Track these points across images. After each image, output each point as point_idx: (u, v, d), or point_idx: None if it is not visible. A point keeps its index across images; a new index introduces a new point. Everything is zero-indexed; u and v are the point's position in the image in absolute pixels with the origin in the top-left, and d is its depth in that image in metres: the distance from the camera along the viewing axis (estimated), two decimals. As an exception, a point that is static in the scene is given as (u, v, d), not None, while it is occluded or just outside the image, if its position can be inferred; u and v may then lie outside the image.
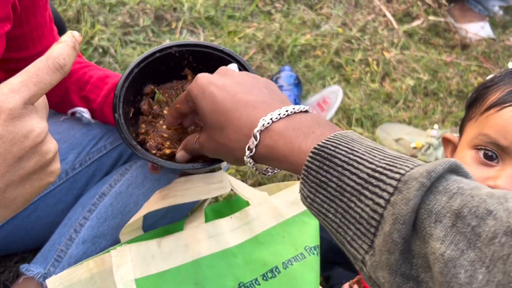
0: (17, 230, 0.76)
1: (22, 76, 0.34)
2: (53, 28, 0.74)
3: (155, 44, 1.38)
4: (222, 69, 0.50)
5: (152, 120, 0.65)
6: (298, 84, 1.27)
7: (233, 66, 0.57)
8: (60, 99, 0.73)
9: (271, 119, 0.42)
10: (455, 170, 0.34)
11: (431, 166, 0.33)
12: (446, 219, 0.31)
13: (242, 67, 0.62)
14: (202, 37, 1.46)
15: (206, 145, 0.49)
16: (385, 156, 0.36)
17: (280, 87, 1.23)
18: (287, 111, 0.43)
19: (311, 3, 1.66)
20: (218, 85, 0.47)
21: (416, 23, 1.68)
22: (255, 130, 0.43)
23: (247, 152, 0.43)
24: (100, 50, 1.29)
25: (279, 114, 0.43)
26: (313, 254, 0.73)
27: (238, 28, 1.52)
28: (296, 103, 1.20)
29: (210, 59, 0.63)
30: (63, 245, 0.69)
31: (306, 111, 0.44)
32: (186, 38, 1.44)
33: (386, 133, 1.31)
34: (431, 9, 1.72)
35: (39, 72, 0.35)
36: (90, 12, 1.34)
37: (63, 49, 0.36)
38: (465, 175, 0.35)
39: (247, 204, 0.76)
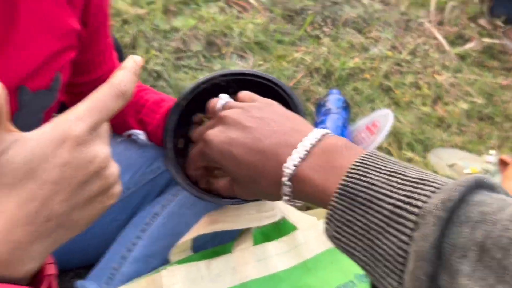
0: (73, 247, 0.79)
1: (87, 103, 0.35)
2: (113, 53, 0.78)
3: (206, 69, 1.42)
4: (224, 117, 0.49)
5: None
6: (346, 107, 1.26)
7: (224, 98, 0.57)
8: (118, 121, 0.76)
9: (294, 165, 0.42)
10: (480, 185, 0.33)
11: (447, 192, 0.32)
12: (471, 253, 0.30)
13: (285, 94, 0.62)
14: (251, 62, 1.48)
15: (242, 194, 0.50)
16: (404, 184, 0.35)
17: (328, 110, 1.23)
18: (306, 151, 0.42)
19: (359, 27, 1.66)
20: (231, 142, 0.46)
21: (469, 45, 1.63)
22: (284, 180, 0.43)
23: (285, 197, 0.44)
24: (154, 75, 1.35)
25: (300, 157, 0.42)
26: (363, 281, 0.71)
27: (287, 52, 1.54)
28: (344, 126, 1.19)
29: (254, 86, 0.64)
30: (116, 263, 0.71)
31: (323, 135, 0.44)
32: (236, 62, 1.47)
33: (438, 158, 1.26)
34: (485, 31, 1.67)
35: (103, 99, 0.35)
36: (145, 38, 1.41)
37: (125, 75, 0.37)
38: (491, 187, 0.33)
39: (295, 228, 0.76)
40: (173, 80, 1.34)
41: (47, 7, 0.53)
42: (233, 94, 0.66)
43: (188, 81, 1.35)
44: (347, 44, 1.59)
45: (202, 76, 1.38)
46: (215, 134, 0.48)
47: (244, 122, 0.47)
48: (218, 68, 1.44)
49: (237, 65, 1.46)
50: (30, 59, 0.52)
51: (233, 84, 0.65)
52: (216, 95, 0.65)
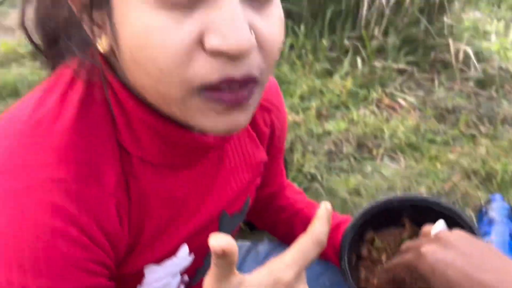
0: None
1: (293, 253, 0.42)
2: (283, 168, 0.88)
3: (356, 171, 1.47)
4: (442, 238, 0.51)
5: (371, 265, 0.69)
6: (513, 216, 1.17)
7: (441, 224, 0.58)
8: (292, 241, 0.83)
9: None
10: None
11: None
12: None
13: (467, 226, 0.62)
14: (402, 164, 1.49)
15: None
16: None
17: (492, 220, 1.15)
18: None
19: (521, 125, 1.57)
20: (447, 262, 0.48)
21: None
22: None
23: None
24: (309, 177, 1.44)
25: None
26: None
27: (439, 153, 1.52)
28: (513, 239, 1.11)
29: (429, 211, 0.66)
30: None
31: None
32: (387, 164, 1.50)
33: None
34: None
35: (305, 249, 0.42)
36: (301, 142, 1.53)
37: (322, 226, 0.43)
38: None
39: None
40: (326, 182, 1.42)
41: (246, 146, 0.65)
42: (405, 216, 0.69)
43: (341, 184, 1.41)
44: (508, 144, 1.51)
45: (354, 178, 1.44)
46: (432, 250, 0.50)
47: (464, 247, 0.48)
48: (369, 170, 1.47)
49: (388, 167, 1.48)
50: (232, 190, 0.63)
51: (409, 207, 0.68)
52: (390, 214, 0.68)
